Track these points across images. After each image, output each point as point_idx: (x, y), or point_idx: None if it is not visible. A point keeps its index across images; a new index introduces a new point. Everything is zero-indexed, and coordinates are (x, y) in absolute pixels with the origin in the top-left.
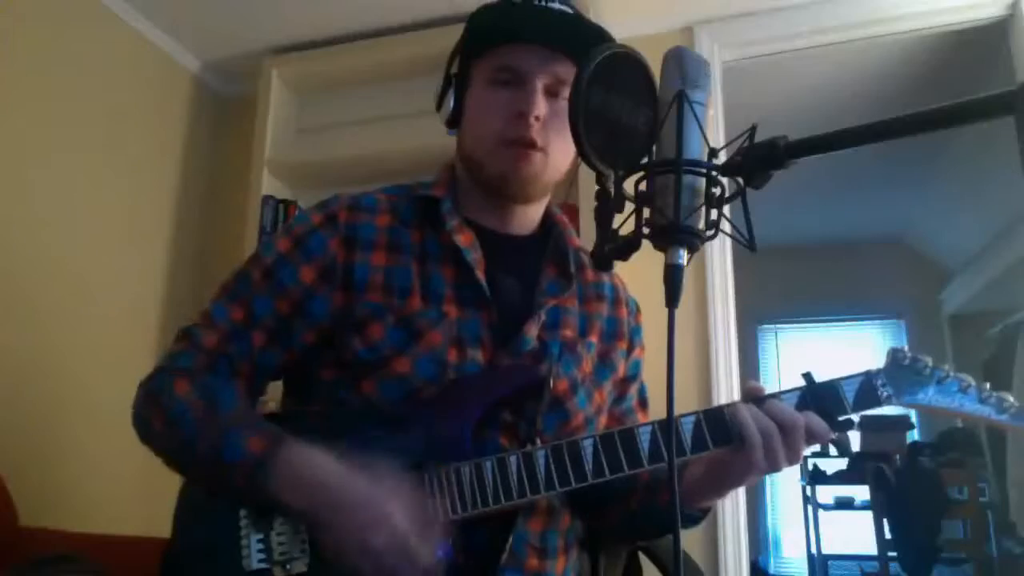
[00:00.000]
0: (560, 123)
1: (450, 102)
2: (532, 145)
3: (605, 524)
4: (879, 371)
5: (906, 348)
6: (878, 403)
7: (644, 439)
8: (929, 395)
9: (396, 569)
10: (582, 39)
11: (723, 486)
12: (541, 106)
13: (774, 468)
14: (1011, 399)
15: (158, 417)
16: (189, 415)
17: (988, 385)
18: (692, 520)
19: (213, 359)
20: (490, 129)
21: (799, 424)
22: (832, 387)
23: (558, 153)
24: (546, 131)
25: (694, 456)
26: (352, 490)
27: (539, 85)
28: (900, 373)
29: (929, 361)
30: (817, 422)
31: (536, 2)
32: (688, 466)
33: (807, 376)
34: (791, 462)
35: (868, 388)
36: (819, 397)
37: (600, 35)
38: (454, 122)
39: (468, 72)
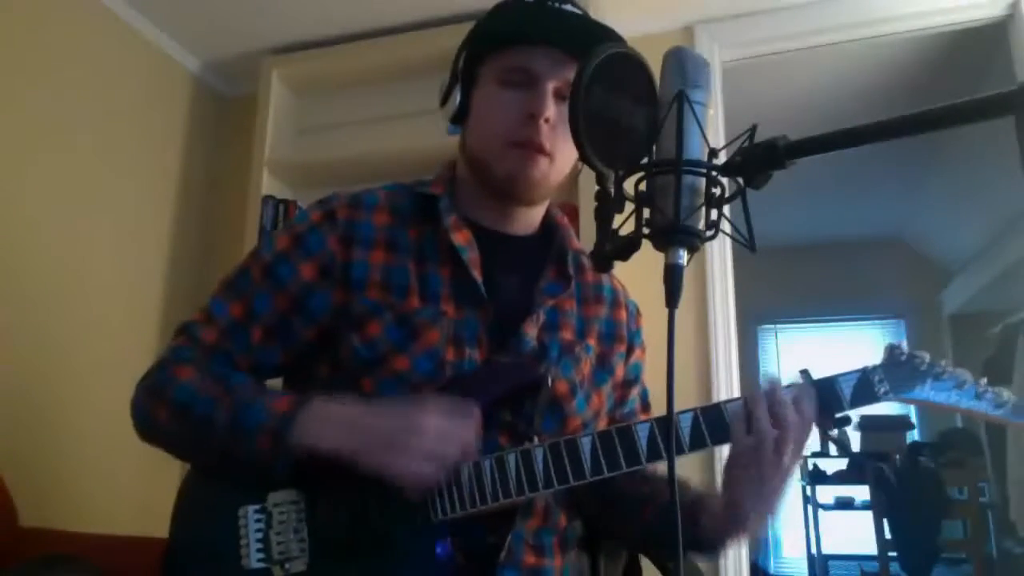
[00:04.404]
0: (567, 127)
1: (456, 99)
2: (540, 149)
3: (624, 535)
4: (876, 367)
5: (903, 344)
6: (875, 399)
7: (642, 436)
8: (926, 391)
9: (449, 459)
10: (595, 43)
11: (741, 517)
12: (551, 109)
13: (764, 470)
14: (1007, 394)
15: (163, 408)
16: (200, 396)
17: (985, 380)
18: (714, 548)
19: (212, 354)
20: (499, 129)
21: (797, 423)
22: (829, 383)
23: (563, 158)
24: (554, 135)
25: (692, 453)
26: (378, 421)
27: (550, 88)
28: (897, 369)
29: (926, 357)
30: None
31: (551, 4)
32: (707, 504)
33: (804, 373)
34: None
35: (865, 384)
36: (816, 393)
37: (613, 39)
38: (458, 119)
39: (476, 70)
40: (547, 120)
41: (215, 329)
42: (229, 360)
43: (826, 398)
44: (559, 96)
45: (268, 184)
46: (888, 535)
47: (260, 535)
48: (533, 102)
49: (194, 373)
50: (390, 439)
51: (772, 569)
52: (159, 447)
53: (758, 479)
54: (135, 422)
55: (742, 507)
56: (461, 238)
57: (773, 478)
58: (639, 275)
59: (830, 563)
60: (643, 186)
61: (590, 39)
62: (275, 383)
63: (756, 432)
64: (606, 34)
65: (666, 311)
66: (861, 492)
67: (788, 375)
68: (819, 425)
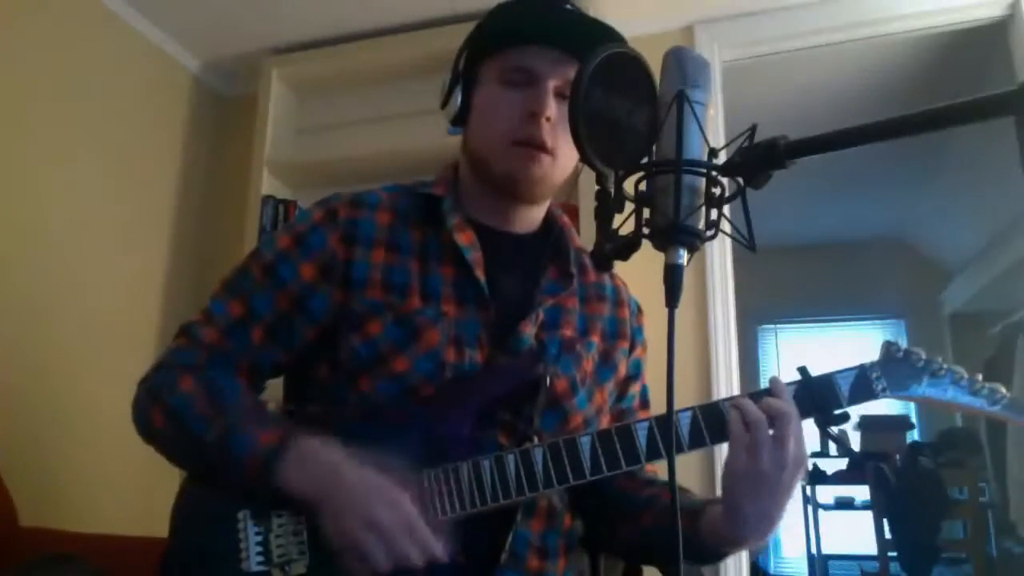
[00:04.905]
0: (568, 125)
1: (457, 99)
2: (542, 147)
3: (618, 542)
4: (874, 364)
5: (900, 341)
6: (873, 396)
7: (641, 435)
8: (923, 388)
9: (404, 549)
10: (596, 43)
11: (741, 520)
12: (552, 107)
13: (763, 466)
14: (1003, 390)
15: (160, 413)
16: (194, 410)
17: (980, 377)
18: (715, 556)
19: (212, 354)
20: (500, 128)
21: (789, 412)
22: (827, 380)
23: (565, 156)
24: (555, 133)
25: (692, 451)
26: (361, 474)
27: (551, 86)
28: (894, 366)
29: (923, 354)
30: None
31: (551, 4)
32: (708, 510)
33: (802, 370)
34: (787, 457)
35: (863, 381)
36: (814, 390)
37: (614, 39)
38: (460, 120)
39: (477, 70)
40: (548, 118)
41: (215, 329)
42: (229, 361)
43: (824, 395)
44: (560, 95)
45: (268, 184)
46: (888, 535)
47: (259, 538)
48: (534, 100)
49: (193, 384)
50: (361, 505)
51: (772, 569)
52: (156, 449)
53: (760, 477)
54: (135, 421)
55: (742, 509)
56: (465, 239)
57: (774, 474)
58: (639, 275)
59: (830, 563)
60: (643, 186)
61: (591, 38)
62: (274, 383)
63: (750, 423)
64: (607, 33)
65: (666, 311)
66: (861, 492)
67: (788, 376)
68: (817, 423)
